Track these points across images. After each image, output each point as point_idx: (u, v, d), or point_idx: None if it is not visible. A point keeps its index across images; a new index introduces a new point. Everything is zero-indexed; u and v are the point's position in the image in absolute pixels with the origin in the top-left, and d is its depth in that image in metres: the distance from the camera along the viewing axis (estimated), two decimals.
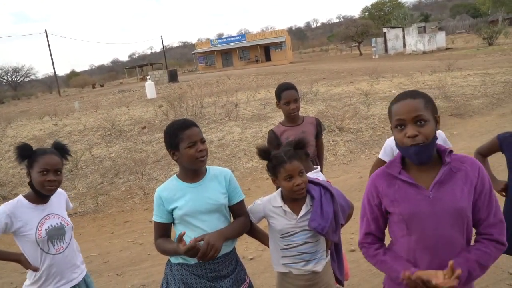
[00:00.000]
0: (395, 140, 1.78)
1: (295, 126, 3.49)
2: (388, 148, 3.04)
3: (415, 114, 1.70)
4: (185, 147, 2.21)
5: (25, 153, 2.40)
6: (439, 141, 2.83)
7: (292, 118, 3.48)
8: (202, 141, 2.27)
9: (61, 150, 2.51)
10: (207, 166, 2.37)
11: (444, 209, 1.71)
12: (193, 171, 2.30)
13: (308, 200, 2.29)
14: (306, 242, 2.27)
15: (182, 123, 2.28)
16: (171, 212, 2.27)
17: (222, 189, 2.32)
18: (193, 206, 2.24)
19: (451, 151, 1.82)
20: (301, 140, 2.29)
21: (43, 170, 2.38)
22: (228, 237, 2.25)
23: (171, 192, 2.28)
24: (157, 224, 2.31)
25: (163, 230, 2.31)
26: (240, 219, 2.37)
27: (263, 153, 2.31)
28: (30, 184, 2.44)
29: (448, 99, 11.73)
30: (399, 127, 1.73)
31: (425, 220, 1.73)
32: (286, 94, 3.41)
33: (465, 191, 1.73)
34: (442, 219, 1.72)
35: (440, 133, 2.96)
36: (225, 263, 2.29)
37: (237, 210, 2.37)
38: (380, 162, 3.06)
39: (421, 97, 1.76)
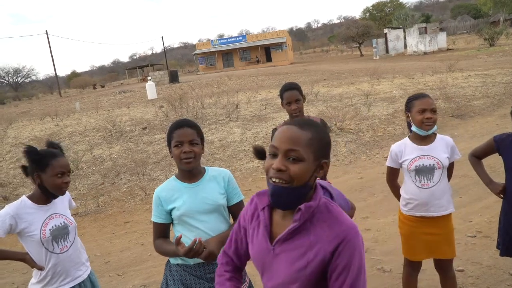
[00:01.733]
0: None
1: None
2: (393, 155, 3.02)
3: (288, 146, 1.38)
4: (172, 146, 2.22)
5: (36, 157, 2.41)
6: (444, 148, 2.84)
7: (295, 118, 3.49)
8: (192, 142, 2.22)
9: (57, 149, 2.54)
10: (206, 167, 2.37)
11: (285, 271, 1.43)
12: (188, 172, 2.27)
13: None
14: None
15: (177, 122, 2.28)
16: (170, 212, 2.27)
17: (220, 189, 2.31)
18: (191, 206, 2.23)
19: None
20: None
21: (60, 172, 2.43)
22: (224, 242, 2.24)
23: (169, 192, 2.28)
24: (155, 225, 2.31)
25: (161, 231, 2.30)
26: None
27: (258, 153, 2.32)
28: (41, 186, 2.44)
29: (449, 100, 11.73)
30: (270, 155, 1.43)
31: (270, 273, 1.49)
32: (287, 95, 3.41)
33: (307, 259, 1.39)
34: (284, 278, 1.44)
35: (447, 140, 2.93)
36: None
37: (236, 211, 2.35)
38: (391, 170, 3.08)
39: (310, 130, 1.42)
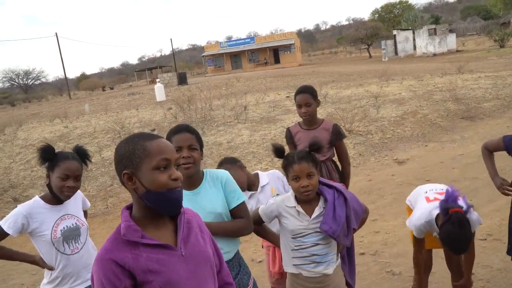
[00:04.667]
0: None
1: (308, 130, 3.48)
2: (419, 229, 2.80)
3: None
4: None
5: (47, 156, 2.41)
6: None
7: (306, 122, 3.48)
8: (191, 147, 2.16)
9: (82, 155, 2.50)
10: (204, 170, 2.28)
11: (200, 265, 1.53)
12: (187, 178, 2.19)
13: (321, 202, 2.30)
14: (317, 244, 2.27)
15: (176, 127, 2.23)
16: None
17: (220, 195, 2.22)
18: None
19: None
20: (314, 143, 2.30)
21: (63, 175, 2.39)
22: (214, 233, 2.07)
23: None
24: None
25: None
26: (237, 220, 2.24)
27: (277, 151, 2.37)
28: (49, 186, 2.45)
29: (459, 102, 11.62)
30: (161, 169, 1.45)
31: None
32: (298, 98, 3.43)
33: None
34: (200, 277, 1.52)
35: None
36: None
37: (236, 213, 2.24)
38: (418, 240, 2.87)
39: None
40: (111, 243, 1.43)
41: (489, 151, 3.08)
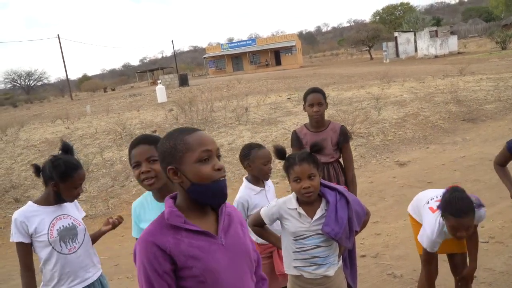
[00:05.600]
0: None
1: (316, 132, 3.46)
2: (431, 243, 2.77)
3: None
4: (132, 167, 2.05)
5: (61, 169, 2.41)
6: None
7: (315, 122, 3.47)
8: (150, 160, 2.01)
9: (71, 151, 2.55)
10: None
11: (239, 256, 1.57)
12: (157, 191, 2.08)
13: (323, 204, 2.29)
14: (318, 246, 2.26)
15: (134, 140, 2.12)
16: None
17: None
18: None
19: None
20: (315, 144, 2.29)
21: (77, 185, 2.47)
22: None
23: (142, 209, 2.14)
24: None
25: None
26: None
27: (278, 153, 2.36)
28: (56, 192, 2.46)
29: (460, 104, 11.61)
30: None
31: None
32: (311, 96, 3.42)
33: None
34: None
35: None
36: None
37: None
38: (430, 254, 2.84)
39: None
40: (154, 226, 1.48)
41: (501, 166, 3.07)
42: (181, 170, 1.47)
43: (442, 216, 2.58)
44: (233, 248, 1.54)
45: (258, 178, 2.93)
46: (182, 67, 75.98)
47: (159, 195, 2.08)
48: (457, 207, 2.47)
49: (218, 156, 1.61)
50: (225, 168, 1.55)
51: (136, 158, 2.02)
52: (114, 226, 2.77)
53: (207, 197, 1.49)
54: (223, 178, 1.50)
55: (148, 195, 2.16)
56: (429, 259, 2.86)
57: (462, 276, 2.92)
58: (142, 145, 2.03)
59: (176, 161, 1.48)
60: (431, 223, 2.72)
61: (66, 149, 2.52)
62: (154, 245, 1.41)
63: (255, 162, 2.85)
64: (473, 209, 2.48)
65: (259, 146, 2.91)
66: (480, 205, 2.56)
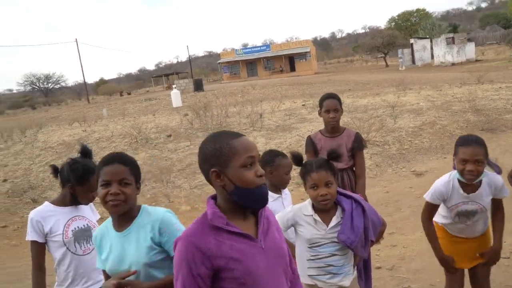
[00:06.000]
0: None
1: (332, 138, 3.46)
2: (438, 194, 2.76)
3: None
4: (99, 184, 1.90)
5: (79, 173, 2.43)
6: (490, 192, 2.67)
7: (331, 128, 3.46)
8: (122, 182, 1.87)
9: (90, 155, 2.56)
10: (143, 207, 2.00)
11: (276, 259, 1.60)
12: (117, 216, 1.93)
13: (339, 212, 2.28)
14: (333, 255, 2.25)
15: (107, 157, 1.97)
16: (106, 261, 1.97)
17: (146, 242, 1.87)
18: (114, 264, 1.91)
19: None
20: (333, 151, 2.28)
21: (94, 189, 2.45)
22: None
23: (102, 236, 2.00)
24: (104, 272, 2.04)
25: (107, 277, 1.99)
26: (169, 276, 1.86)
27: (295, 159, 2.38)
28: (72, 194, 2.49)
29: (478, 113, 11.43)
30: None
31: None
32: (327, 102, 3.43)
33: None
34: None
35: (496, 182, 2.71)
36: None
37: None
38: (431, 206, 2.83)
39: None
40: (196, 226, 1.51)
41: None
42: (225, 173, 1.50)
43: (454, 155, 2.65)
44: (271, 252, 1.57)
45: (276, 185, 2.93)
46: (197, 72, 76.44)
47: (119, 222, 1.94)
48: (466, 137, 2.61)
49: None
50: None
51: (107, 177, 1.87)
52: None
53: (250, 201, 1.51)
54: (265, 184, 1.54)
55: (108, 222, 2.00)
56: (428, 212, 2.82)
57: (486, 259, 2.81)
58: (117, 164, 1.90)
59: (220, 164, 1.50)
60: (442, 177, 2.78)
61: (85, 152, 2.54)
62: (194, 246, 1.44)
63: (278, 170, 2.83)
64: (483, 143, 2.54)
65: (282, 155, 2.90)
66: (499, 171, 2.66)
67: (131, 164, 1.95)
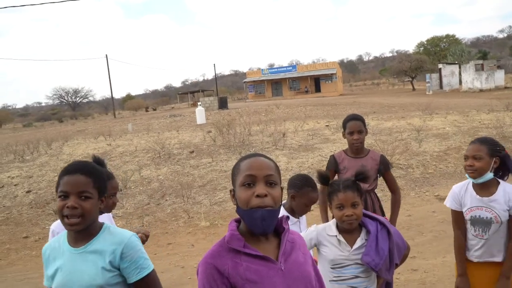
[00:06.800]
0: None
1: (356, 158, 3.43)
2: (455, 196, 2.78)
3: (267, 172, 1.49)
4: (57, 195, 1.76)
5: (97, 163, 2.46)
6: (507, 200, 2.60)
7: (355, 149, 3.44)
8: (82, 195, 1.72)
9: (103, 164, 2.58)
10: (105, 225, 1.85)
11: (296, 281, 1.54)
12: (73, 232, 1.78)
13: (363, 233, 2.25)
14: (357, 277, 2.21)
15: (68, 166, 1.81)
16: (53, 277, 1.78)
17: (104, 264, 1.74)
18: (63, 282, 1.74)
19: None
20: (360, 172, 2.27)
21: (111, 194, 2.56)
22: None
23: (52, 252, 1.82)
24: None
25: None
26: None
27: (322, 178, 2.38)
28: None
29: (506, 140, 11.13)
30: (246, 185, 1.49)
31: None
32: (351, 124, 3.41)
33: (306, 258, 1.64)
34: None
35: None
36: None
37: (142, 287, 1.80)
38: (456, 213, 2.80)
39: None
40: (215, 248, 1.52)
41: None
42: (235, 193, 1.53)
43: None
44: (292, 274, 1.53)
45: (293, 210, 2.89)
46: (222, 90, 77.41)
47: (75, 237, 1.78)
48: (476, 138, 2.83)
49: (271, 183, 1.48)
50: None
51: (66, 188, 1.72)
52: (142, 241, 2.78)
53: (247, 222, 1.50)
54: (265, 208, 1.44)
55: (62, 236, 1.84)
56: (454, 221, 2.81)
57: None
58: (78, 175, 1.74)
59: (233, 183, 1.56)
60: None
61: (98, 162, 2.58)
62: (213, 267, 1.45)
63: (301, 198, 2.73)
64: (487, 141, 2.71)
65: (313, 187, 2.75)
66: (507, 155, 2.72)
67: (95, 176, 1.78)
